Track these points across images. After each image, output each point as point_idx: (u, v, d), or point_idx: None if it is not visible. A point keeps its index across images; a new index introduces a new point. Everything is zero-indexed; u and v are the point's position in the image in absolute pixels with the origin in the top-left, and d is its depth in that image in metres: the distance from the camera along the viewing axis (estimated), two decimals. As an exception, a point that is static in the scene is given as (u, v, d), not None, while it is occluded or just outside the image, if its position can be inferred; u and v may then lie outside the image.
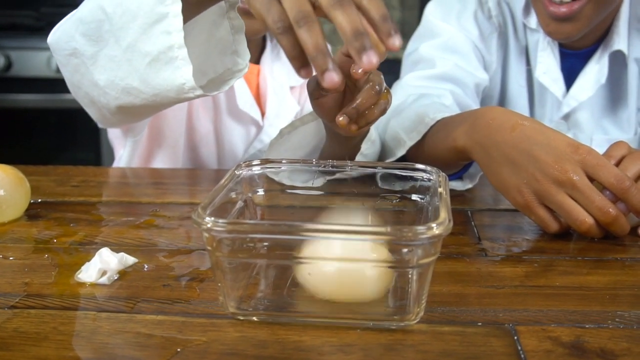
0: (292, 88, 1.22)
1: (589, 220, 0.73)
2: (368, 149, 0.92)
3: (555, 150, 0.74)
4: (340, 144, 0.90)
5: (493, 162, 0.79)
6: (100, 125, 1.01)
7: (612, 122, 1.17)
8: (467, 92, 1.11)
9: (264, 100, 1.20)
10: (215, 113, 1.16)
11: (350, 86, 0.78)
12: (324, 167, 0.73)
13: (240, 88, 1.15)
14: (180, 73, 0.75)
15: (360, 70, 0.70)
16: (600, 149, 1.10)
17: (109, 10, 0.77)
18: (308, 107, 1.24)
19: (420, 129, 0.90)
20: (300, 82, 1.23)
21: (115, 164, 1.19)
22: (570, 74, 1.15)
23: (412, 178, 0.71)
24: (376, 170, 0.76)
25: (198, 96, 0.78)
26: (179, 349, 0.54)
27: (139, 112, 0.88)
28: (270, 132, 1.18)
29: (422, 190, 0.71)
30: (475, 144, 0.81)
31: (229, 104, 1.16)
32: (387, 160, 0.94)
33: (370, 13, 0.58)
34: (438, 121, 0.89)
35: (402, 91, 1.07)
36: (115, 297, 0.63)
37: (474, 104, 1.11)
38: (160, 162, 1.14)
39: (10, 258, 0.72)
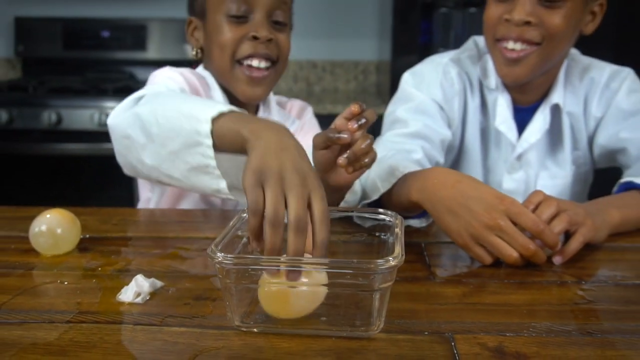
0: None
1: (515, 254, 0.77)
2: (350, 197, 0.94)
3: (485, 202, 0.77)
4: (330, 192, 0.91)
5: (438, 213, 0.82)
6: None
7: (553, 161, 1.20)
8: (434, 146, 1.13)
9: None
10: None
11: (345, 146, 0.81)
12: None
13: None
14: (217, 182, 0.79)
15: (341, 161, 0.76)
16: (544, 182, 1.17)
17: (161, 121, 0.81)
18: None
19: (391, 179, 0.92)
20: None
21: (143, 205, 1.18)
22: (520, 125, 1.18)
23: (377, 219, 0.74)
24: (351, 214, 0.79)
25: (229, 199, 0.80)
26: (198, 354, 0.56)
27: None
28: None
29: (385, 229, 0.73)
30: (424, 199, 0.84)
31: None
32: (365, 201, 0.96)
33: (315, 237, 0.61)
34: (405, 174, 0.91)
35: (383, 146, 1.09)
36: (148, 313, 0.65)
37: (439, 155, 1.13)
38: (186, 203, 1.14)
39: (65, 283, 0.73)
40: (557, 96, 1.16)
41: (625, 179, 1.02)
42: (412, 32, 2.30)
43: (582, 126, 1.19)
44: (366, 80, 2.91)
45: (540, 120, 1.17)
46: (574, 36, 1.11)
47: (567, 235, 0.83)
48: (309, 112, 1.30)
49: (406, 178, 0.90)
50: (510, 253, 0.77)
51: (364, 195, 0.98)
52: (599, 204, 0.92)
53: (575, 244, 0.81)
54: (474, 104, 1.21)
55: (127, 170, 0.96)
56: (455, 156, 1.25)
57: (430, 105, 1.18)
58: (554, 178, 1.20)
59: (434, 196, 0.82)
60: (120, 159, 0.94)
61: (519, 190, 1.20)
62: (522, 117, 1.19)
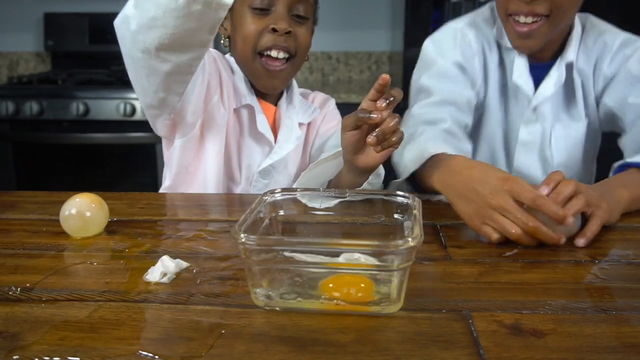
0: (300, 124, 1.22)
1: (516, 230, 0.76)
2: (374, 180, 0.95)
3: (490, 185, 0.79)
4: (357, 175, 0.93)
5: (453, 197, 0.85)
6: (147, 114, 1.00)
7: (567, 114, 1.20)
8: (461, 109, 1.13)
9: (277, 130, 1.19)
10: (241, 135, 1.16)
11: (373, 126, 0.82)
12: (329, 194, 0.75)
13: (261, 117, 1.15)
14: None
15: (371, 139, 0.79)
16: (559, 133, 1.16)
17: None
18: (310, 137, 1.24)
19: (419, 161, 0.94)
20: (307, 122, 1.23)
21: (167, 160, 1.15)
22: (536, 81, 1.18)
23: (395, 202, 0.73)
24: (371, 196, 0.78)
25: None
26: (222, 331, 0.56)
27: (165, 49, 0.84)
28: (279, 152, 1.17)
29: (403, 211, 0.73)
30: (442, 186, 0.88)
31: (250, 129, 1.16)
32: (396, 180, 0.98)
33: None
34: (432, 158, 0.93)
35: (412, 120, 1.10)
36: (174, 292, 0.64)
37: (466, 117, 1.14)
38: (210, 155, 1.11)
39: (95, 263, 0.73)
40: (571, 54, 1.16)
41: (619, 162, 1.01)
42: (423, 23, 2.28)
43: (590, 85, 1.19)
44: (379, 71, 2.89)
45: (555, 76, 1.17)
46: (579, 2, 1.10)
47: (583, 217, 0.81)
48: (332, 104, 1.31)
49: (432, 163, 0.92)
50: (511, 229, 0.77)
51: (397, 172, 1.01)
52: (606, 185, 0.91)
53: (594, 226, 0.80)
54: (493, 61, 1.21)
55: (139, 91, 0.94)
56: (480, 112, 1.24)
57: (452, 69, 1.18)
58: (568, 128, 1.20)
59: (447, 183, 0.86)
60: (128, 64, 0.91)
61: (535, 142, 1.20)
62: (539, 73, 1.19)
